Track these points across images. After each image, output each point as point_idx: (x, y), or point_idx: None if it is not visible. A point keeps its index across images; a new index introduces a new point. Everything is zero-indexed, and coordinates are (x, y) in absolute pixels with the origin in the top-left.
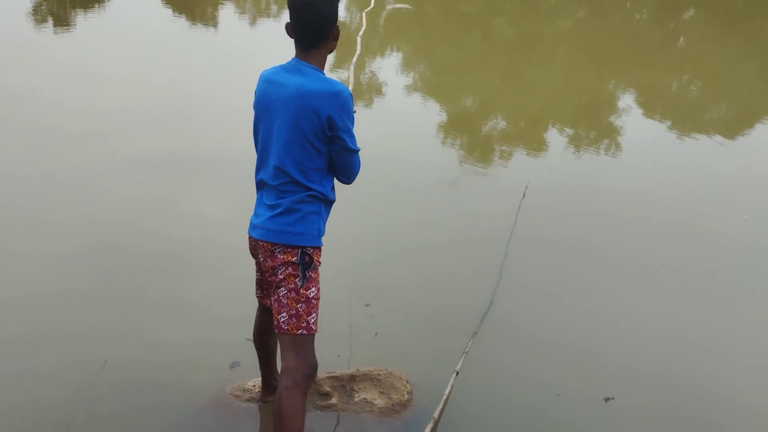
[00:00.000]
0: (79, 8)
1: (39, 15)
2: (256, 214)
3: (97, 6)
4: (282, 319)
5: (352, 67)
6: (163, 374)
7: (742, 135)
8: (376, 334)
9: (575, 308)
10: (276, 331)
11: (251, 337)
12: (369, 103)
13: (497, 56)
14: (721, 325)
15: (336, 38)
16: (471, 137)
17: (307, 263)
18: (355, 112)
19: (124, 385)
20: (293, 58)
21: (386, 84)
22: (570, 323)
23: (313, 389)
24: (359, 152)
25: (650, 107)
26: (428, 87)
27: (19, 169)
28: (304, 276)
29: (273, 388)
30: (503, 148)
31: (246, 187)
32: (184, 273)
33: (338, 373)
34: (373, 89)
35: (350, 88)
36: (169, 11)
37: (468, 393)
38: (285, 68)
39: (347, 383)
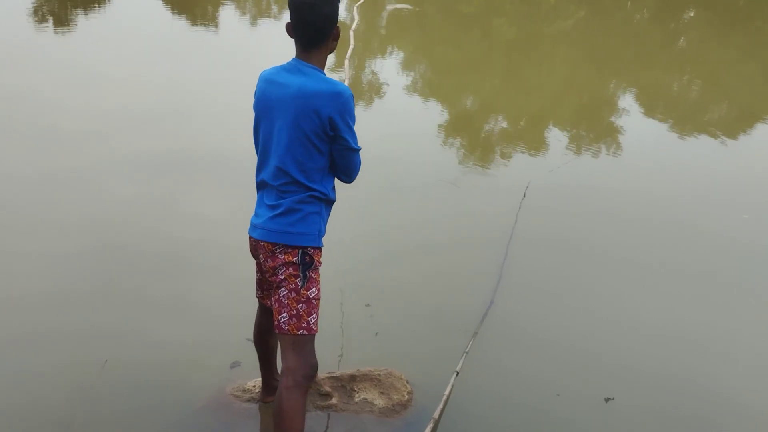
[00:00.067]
0: (80, 8)
1: (39, 15)
2: (256, 215)
3: (97, 6)
4: (282, 320)
5: (347, 62)
6: (163, 374)
7: (743, 135)
8: (376, 334)
9: (575, 308)
10: (276, 331)
11: (251, 337)
12: (369, 103)
13: (497, 56)
14: (721, 325)
15: (336, 38)
16: (471, 137)
17: (308, 263)
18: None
19: (124, 385)
20: (293, 58)
21: (386, 84)
22: (570, 323)
23: (314, 389)
24: (360, 151)
25: (650, 107)
26: (428, 87)
27: (19, 169)
28: (304, 276)
29: (273, 388)
30: (504, 148)
31: (246, 187)
32: (184, 273)
33: (338, 373)
34: (374, 89)
35: (346, 82)
36: (169, 11)
37: (468, 393)
38: (285, 68)
39: (347, 383)
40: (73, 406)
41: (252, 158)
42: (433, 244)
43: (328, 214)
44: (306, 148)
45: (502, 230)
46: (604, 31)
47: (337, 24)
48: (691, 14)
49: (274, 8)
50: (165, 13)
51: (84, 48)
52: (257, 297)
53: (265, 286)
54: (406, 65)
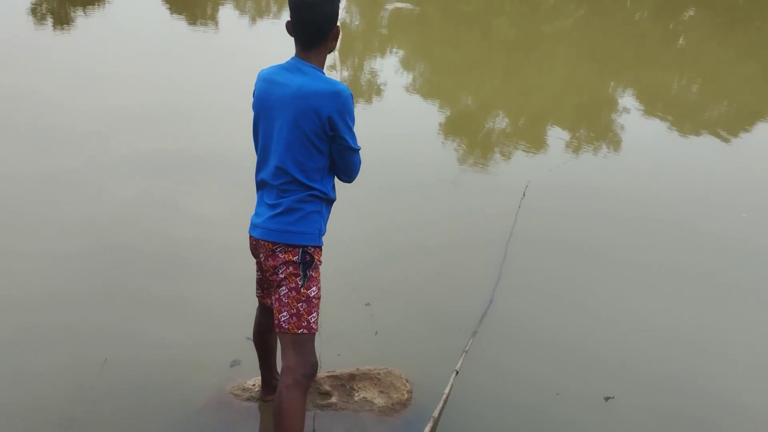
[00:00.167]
0: (79, 8)
1: (39, 15)
2: (256, 214)
3: (97, 6)
4: (283, 318)
5: (336, 53)
6: (163, 374)
7: (743, 135)
8: (376, 333)
9: (575, 308)
10: (276, 330)
11: (251, 336)
12: (369, 103)
13: (497, 56)
14: (720, 325)
15: (336, 38)
16: (471, 137)
17: (308, 262)
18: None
19: (124, 385)
20: (293, 57)
21: (386, 84)
22: (570, 323)
23: (313, 388)
24: (360, 151)
25: (650, 107)
26: (428, 87)
27: (19, 169)
28: (305, 275)
29: (273, 387)
30: (503, 147)
31: (246, 187)
32: (184, 273)
33: (338, 372)
34: (373, 89)
35: (338, 76)
36: (169, 11)
37: (468, 392)
38: (285, 67)
39: (347, 382)
40: (73, 406)
41: (251, 158)
42: (433, 243)
43: (329, 213)
44: (306, 147)
45: (502, 230)
46: (603, 31)
47: (338, 23)
48: (691, 14)
49: (274, 8)
50: (165, 13)
51: (84, 48)
52: (257, 296)
53: (266, 285)
54: (406, 65)
